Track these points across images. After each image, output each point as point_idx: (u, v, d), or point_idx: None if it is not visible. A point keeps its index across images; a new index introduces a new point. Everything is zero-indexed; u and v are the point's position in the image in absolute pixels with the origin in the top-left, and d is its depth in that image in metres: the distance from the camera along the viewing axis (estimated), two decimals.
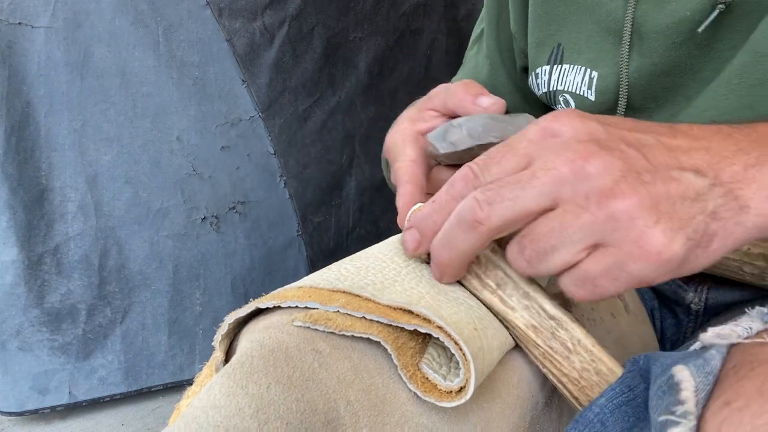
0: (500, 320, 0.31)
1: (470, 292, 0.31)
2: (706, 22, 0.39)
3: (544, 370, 0.30)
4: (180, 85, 0.99)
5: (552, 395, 0.35)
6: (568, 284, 0.27)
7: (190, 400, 0.28)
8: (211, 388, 0.25)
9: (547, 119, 0.28)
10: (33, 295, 0.95)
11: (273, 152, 1.07)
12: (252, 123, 1.04)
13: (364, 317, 0.28)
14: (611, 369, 0.28)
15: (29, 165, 0.93)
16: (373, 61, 1.15)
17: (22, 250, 0.94)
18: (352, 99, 1.14)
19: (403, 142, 0.40)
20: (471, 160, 0.38)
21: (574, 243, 0.25)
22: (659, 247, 0.24)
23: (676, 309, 0.46)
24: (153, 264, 1.02)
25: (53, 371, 0.98)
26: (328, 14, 1.08)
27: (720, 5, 0.38)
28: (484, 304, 0.31)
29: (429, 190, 0.39)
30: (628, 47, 0.45)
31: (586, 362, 0.28)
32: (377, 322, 0.28)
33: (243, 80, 1.02)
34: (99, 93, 0.95)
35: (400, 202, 0.37)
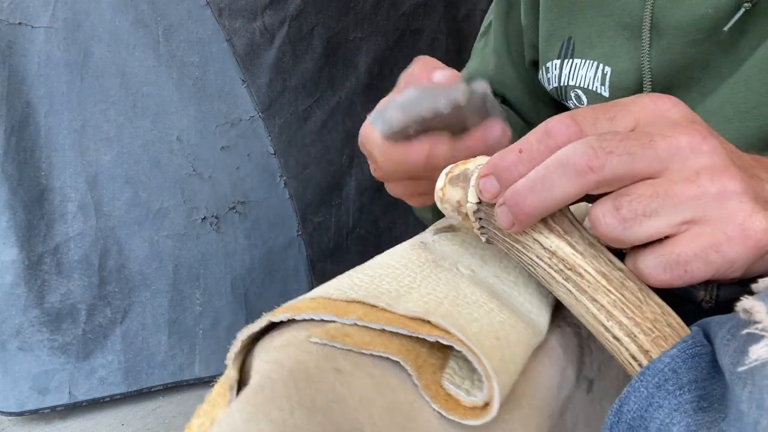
0: (565, 270, 0.29)
1: (529, 238, 0.30)
2: (732, 21, 0.38)
3: (610, 323, 0.28)
4: (180, 85, 0.99)
5: (567, 404, 0.35)
6: (652, 266, 0.26)
7: (202, 420, 0.28)
8: (231, 414, 0.24)
9: (653, 95, 0.27)
10: (33, 295, 0.95)
11: (273, 152, 1.07)
12: (252, 123, 1.04)
13: (383, 329, 0.27)
14: (680, 324, 0.28)
15: (29, 165, 0.93)
16: (373, 61, 1.15)
17: (22, 250, 0.94)
18: (352, 99, 1.14)
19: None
20: (419, 132, 0.38)
21: (677, 213, 0.25)
22: (761, 233, 0.24)
23: (687, 307, 0.46)
24: (153, 264, 1.02)
25: (53, 371, 0.98)
26: (328, 14, 1.08)
27: (746, 4, 0.38)
28: (546, 251, 0.30)
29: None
30: (648, 43, 0.44)
31: (657, 314, 0.28)
32: (397, 335, 0.27)
33: (243, 80, 1.02)
34: (99, 93, 0.95)
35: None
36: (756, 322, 0.22)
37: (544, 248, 0.30)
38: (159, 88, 0.98)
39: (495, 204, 0.29)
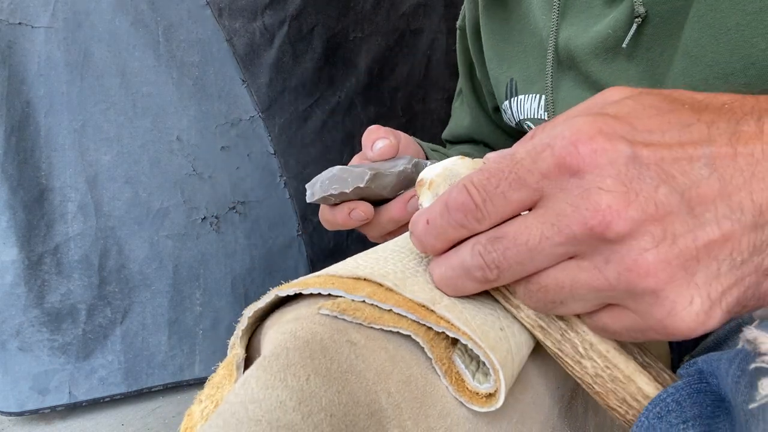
0: (512, 316, 0.30)
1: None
2: (628, 37, 0.40)
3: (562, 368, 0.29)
4: (180, 85, 0.99)
5: (576, 388, 0.35)
6: (589, 326, 0.26)
7: (204, 405, 0.27)
8: (247, 381, 0.24)
9: (564, 143, 0.21)
10: (33, 295, 0.95)
11: (273, 152, 1.06)
12: (252, 123, 1.04)
13: (391, 310, 0.27)
14: (628, 377, 0.26)
15: (29, 165, 0.93)
16: (373, 61, 1.15)
17: (22, 250, 0.94)
18: (352, 99, 1.14)
19: None
20: (340, 200, 0.45)
21: (586, 301, 0.23)
22: (688, 329, 0.21)
23: None
24: (153, 264, 1.02)
25: (53, 371, 0.98)
26: (328, 14, 1.08)
27: (636, 19, 0.40)
28: (493, 299, 0.30)
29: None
30: (551, 71, 0.48)
31: (599, 368, 0.26)
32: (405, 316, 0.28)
33: (243, 80, 1.02)
34: (99, 93, 0.95)
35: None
36: (762, 354, 0.21)
37: (491, 295, 0.30)
38: (159, 88, 0.98)
39: None
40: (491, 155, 0.28)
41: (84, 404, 1.01)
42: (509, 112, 0.59)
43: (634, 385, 0.26)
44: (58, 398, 0.99)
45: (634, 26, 0.40)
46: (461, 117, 0.76)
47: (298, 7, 1.04)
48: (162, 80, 0.97)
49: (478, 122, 0.73)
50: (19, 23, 0.89)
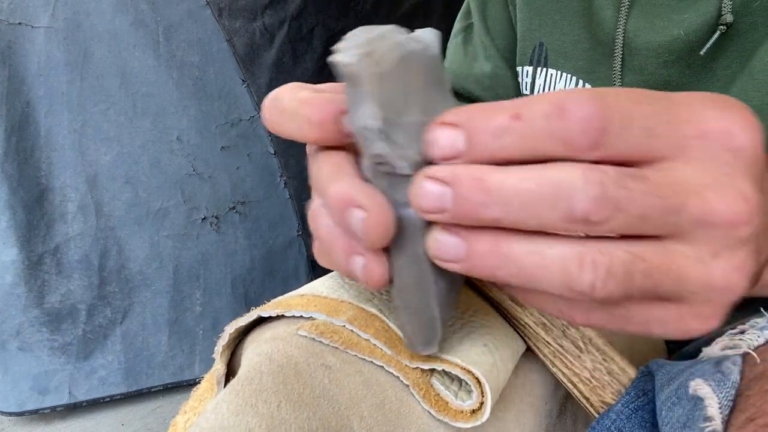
0: (510, 318, 0.30)
1: (476, 287, 0.31)
2: (708, 44, 0.38)
3: (554, 370, 0.29)
4: (180, 85, 0.99)
5: (566, 402, 0.35)
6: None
7: (188, 416, 0.27)
8: (218, 406, 0.24)
9: (722, 103, 0.19)
10: (33, 295, 0.95)
11: (273, 152, 1.07)
12: (252, 123, 1.04)
13: (368, 340, 0.27)
14: (623, 369, 0.28)
15: (29, 165, 0.93)
16: None
17: (22, 250, 0.94)
18: None
19: None
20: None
21: (671, 292, 0.21)
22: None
23: None
24: (153, 264, 1.02)
25: (53, 371, 0.98)
26: (328, 14, 1.08)
27: (721, 27, 0.37)
28: (493, 301, 0.30)
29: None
30: (620, 62, 0.43)
31: (597, 361, 0.28)
32: (385, 332, 0.27)
33: (243, 80, 1.02)
34: (99, 93, 0.95)
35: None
36: (706, 418, 0.21)
37: (490, 299, 0.30)
38: (159, 88, 0.98)
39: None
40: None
41: (84, 404, 1.01)
42: (527, 80, 0.49)
43: (628, 376, 0.28)
44: (58, 398, 0.99)
45: (717, 34, 0.37)
46: (464, 62, 0.56)
47: (298, 7, 1.04)
48: (162, 80, 0.97)
49: (495, 71, 0.55)
50: (19, 23, 0.89)
